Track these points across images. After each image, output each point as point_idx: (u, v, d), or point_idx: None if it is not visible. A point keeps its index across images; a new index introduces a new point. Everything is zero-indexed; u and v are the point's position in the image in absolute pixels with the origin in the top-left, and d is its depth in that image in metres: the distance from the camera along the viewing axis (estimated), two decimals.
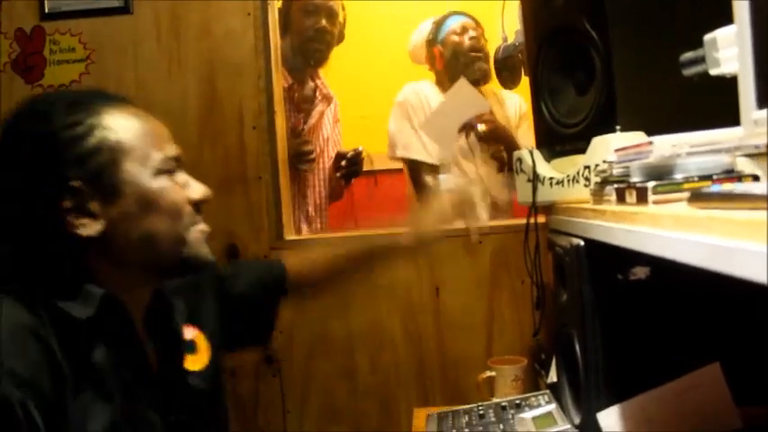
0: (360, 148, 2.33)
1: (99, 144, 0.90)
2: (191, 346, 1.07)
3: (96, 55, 1.84)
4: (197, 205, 0.98)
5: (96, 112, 0.92)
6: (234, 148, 1.79)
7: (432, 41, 2.44)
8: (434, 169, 2.35)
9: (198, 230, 0.98)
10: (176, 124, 1.78)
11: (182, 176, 0.98)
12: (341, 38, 2.36)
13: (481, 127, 2.18)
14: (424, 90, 2.43)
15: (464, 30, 2.36)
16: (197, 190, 0.99)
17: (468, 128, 2.19)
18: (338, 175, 2.35)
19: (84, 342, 0.87)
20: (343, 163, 2.32)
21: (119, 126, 0.92)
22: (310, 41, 2.27)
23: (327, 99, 2.43)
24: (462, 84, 2.13)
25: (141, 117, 0.97)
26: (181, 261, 0.97)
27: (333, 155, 2.45)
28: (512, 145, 2.19)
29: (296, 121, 2.31)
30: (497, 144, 2.27)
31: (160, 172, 0.94)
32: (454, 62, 2.35)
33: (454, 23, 2.39)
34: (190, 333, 1.08)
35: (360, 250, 1.33)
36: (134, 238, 0.92)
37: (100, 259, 0.92)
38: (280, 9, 2.23)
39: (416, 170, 2.36)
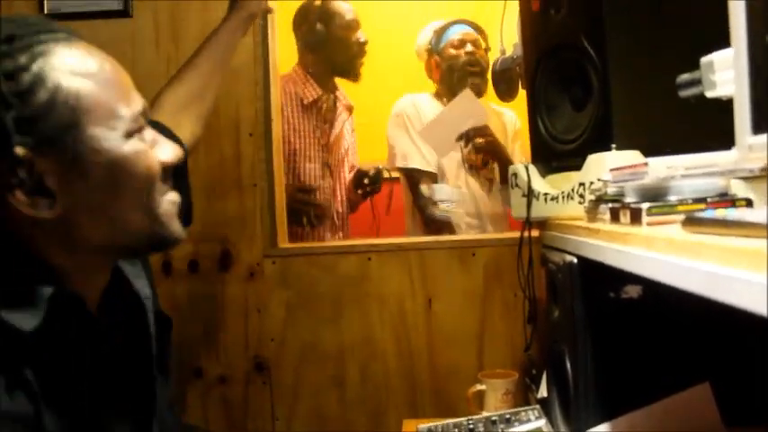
0: (380, 167, 2.36)
1: (52, 98, 0.70)
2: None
3: None
4: (166, 170, 0.82)
5: (44, 52, 0.71)
6: (229, 155, 1.79)
7: (431, 51, 2.45)
8: (432, 178, 2.36)
9: (168, 201, 0.82)
10: None
11: (148, 133, 0.81)
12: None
13: (479, 140, 2.18)
14: (420, 101, 2.44)
15: (462, 43, 2.37)
16: (167, 151, 0.82)
17: (466, 138, 2.19)
18: (359, 192, 2.38)
19: (35, 355, 0.71)
20: (366, 181, 2.35)
21: (75, 72, 0.72)
22: (357, 57, 2.33)
23: (348, 109, 2.47)
24: (466, 94, 2.15)
25: (102, 59, 0.77)
26: (150, 239, 0.82)
27: (351, 165, 2.49)
28: (505, 160, 2.20)
29: (322, 133, 2.35)
30: (492, 157, 2.28)
31: (131, 133, 0.76)
32: (449, 75, 2.36)
33: (454, 35, 2.39)
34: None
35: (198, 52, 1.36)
36: (99, 218, 0.76)
37: (52, 243, 0.75)
38: (315, 31, 2.30)
39: (414, 179, 2.37)
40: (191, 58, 1.37)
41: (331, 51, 2.32)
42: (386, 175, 2.39)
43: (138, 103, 0.80)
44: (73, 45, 0.75)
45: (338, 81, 2.44)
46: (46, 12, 1.83)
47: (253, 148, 1.79)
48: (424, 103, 2.44)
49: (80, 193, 0.74)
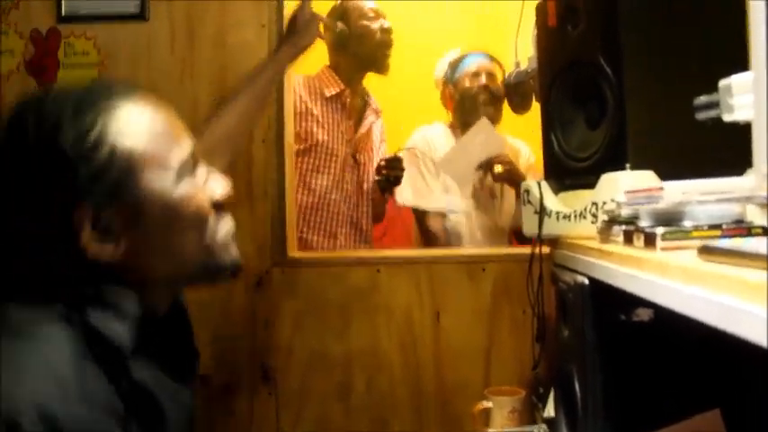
0: (399, 154, 2.31)
1: (112, 154, 0.78)
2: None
3: (110, 60, 1.84)
4: (218, 202, 0.90)
5: (106, 112, 0.80)
6: (241, 161, 1.78)
7: (446, 82, 2.45)
8: (441, 215, 2.35)
9: (223, 231, 0.90)
10: None
11: (201, 170, 0.89)
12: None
13: (498, 168, 2.17)
14: (432, 135, 2.44)
15: (477, 74, 2.37)
16: (218, 187, 0.90)
17: (486, 166, 2.18)
18: (378, 178, 2.32)
19: (123, 362, 0.80)
20: (383, 163, 2.29)
21: (132, 127, 0.81)
22: (381, 47, 2.29)
23: (376, 113, 2.45)
24: (483, 123, 2.15)
25: (154, 111, 0.85)
26: (208, 270, 0.90)
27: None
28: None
29: (347, 128, 2.33)
30: (511, 184, 2.27)
31: (182, 175, 0.84)
32: (461, 106, 2.37)
33: (469, 66, 2.40)
34: None
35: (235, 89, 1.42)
36: (159, 255, 0.84)
37: (120, 279, 0.82)
38: (337, 31, 2.26)
39: (421, 216, 2.37)
40: (232, 95, 1.41)
41: (355, 46, 2.28)
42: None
43: (186, 146, 0.87)
44: (131, 104, 0.83)
45: (369, 88, 2.43)
46: (63, 14, 1.84)
47: (265, 154, 1.79)
48: (436, 136, 2.44)
49: (140, 236, 0.82)
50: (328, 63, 2.36)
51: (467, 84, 2.37)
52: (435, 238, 2.33)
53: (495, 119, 2.33)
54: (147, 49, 1.83)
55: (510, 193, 2.35)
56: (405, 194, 2.37)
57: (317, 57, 2.33)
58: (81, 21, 1.84)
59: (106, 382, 0.76)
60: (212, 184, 0.90)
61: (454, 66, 2.43)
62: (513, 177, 2.24)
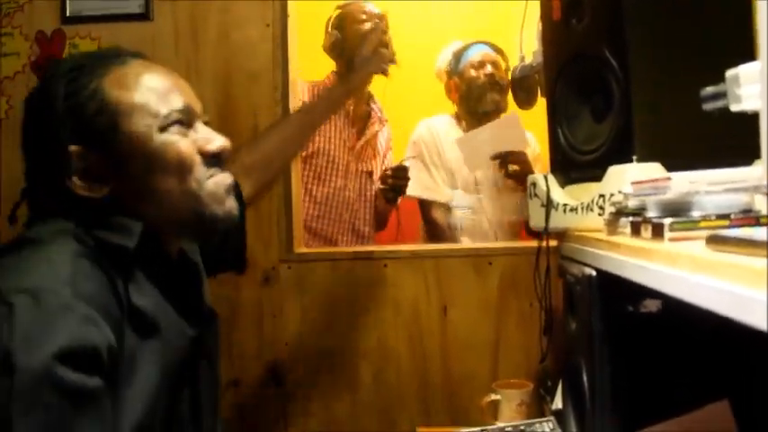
0: (406, 163, 2.29)
1: (99, 108, 0.90)
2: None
3: None
4: (215, 157, 0.96)
5: (101, 74, 0.91)
6: None
7: (450, 72, 2.44)
8: (445, 207, 2.35)
9: (213, 182, 0.95)
10: None
11: (201, 129, 0.97)
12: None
13: (513, 166, 2.16)
14: (437, 126, 2.43)
15: (482, 64, 2.36)
16: (213, 141, 0.96)
17: (502, 160, 2.17)
18: (383, 187, 2.28)
19: (132, 272, 0.89)
20: (389, 172, 2.27)
21: (121, 85, 0.91)
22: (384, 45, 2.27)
23: (381, 122, 2.43)
24: (513, 117, 2.14)
25: (149, 71, 0.95)
26: (198, 218, 0.95)
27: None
28: None
29: (350, 136, 2.32)
30: (522, 184, 2.25)
31: (165, 126, 0.92)
32: (468, 97, 2.36)
33: (474, 56, 2.39)
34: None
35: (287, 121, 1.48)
36: (144, 198, 0.92)
37: (129, 220, 0.91)
38: (334, 39, 2.27)
39: (426, 207, 2.36)
40: (283, 119, 1.47)
41: (349, 51, 2.23)
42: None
43: (178, 101, 0.94)
44: (129, 63, 0.94)
45: (376, 95, 2.41)
46: (68, 14, 1.85)
47: None
48: (441, 127, 2.43)
49: (124, 178, 0.91)
50: (336, 70, 2.36)
51: (472, 73, 2.36)
52: (439, 230, 2.33)
53: (501, 106, 2.33)
54: (152, 48, 1.83)
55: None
56: (410, 186, 2.37)
57: (327, 62, 2.35)
58: (85, 21, 1.85)
59: (106, 287, 0.84)
60: (209, 139, 0.96)
61: (458, 56, 2.42)
62: (524, 177, 2.21)
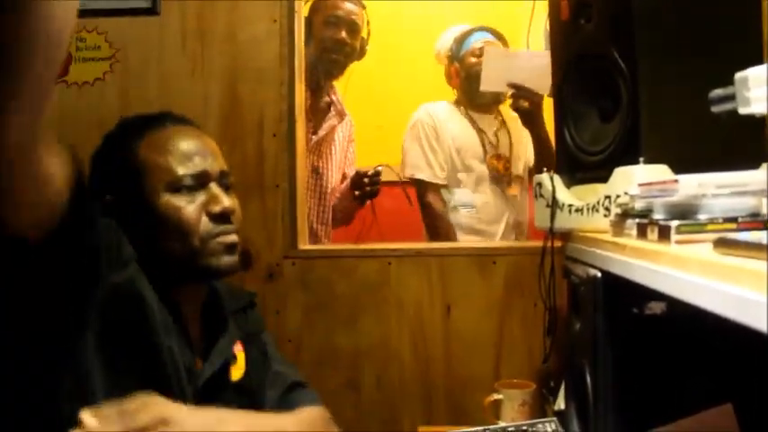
0: (380, 168, 2.25)
1: (127, 165, 1.03)
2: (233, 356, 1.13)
3: (121, 54, 1.84)
4: (221, 216, 1.05)
5: (140, 136, 1.05)
6: (252, 155, 1.79)
7: (451, 58, 2.43)
8: (440, 189, 2.34)
9: (217, 242, 1.05)
10: None
11: (212, 189, 1.06)
12: (362, 53, 2.33)
13: (524, 102, 2.07)
14: (436, 111, 2.42)
15: (482, 52, 2.34)
16: (218, 203, 1.05)
17: (517, 91, 2.07)
18: (356, 193, 2.25)
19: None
20: (366, 180, 2.23)
21: (150, 148, 1.04)
22: (328, 51, 2.25)
23: (341, 115, 2.39)
24: (547, 56, 2.01)
25: (180, 136, 1.07)
26: (194, 268, 1.05)
27: (341, 175, 2.42)
28: (542, 135, 2.13)
29: (306, 131, 2.29)
30: (524, 124, 2.21)
31: (173, 189, 1.03)
32: (468, 84, 2.34)
33: (475, 42, 2.37)
34: (236, 347, 1.15)
35: None
36: (153, 250, 1.01)
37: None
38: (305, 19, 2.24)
39: (423, 189, 2.36)
40: None
41: (311, 47, 2.24)
42: (387, 177, 2.28)
43: (193, 166, 1.05)
44: (167, 127, 1.07)
45: (337, 87, 2.38)
46: None
47: (276, 148, 1.79)
48: (440, 112, 2.42)
49: (142, 228, 1.00)
50: None
51: (472, 61, 2.35)
52: (435, 213, 2.32)
53: (499, 99, 2.32)
54: (159, 43, 1.83)
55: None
56: (405, 168, 2.37)
57: None
58: (92, 15, 1.85)
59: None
60: (216, 200, 1.06)
61: (460, 42, 2.41)
62: (532, 118, 2.14)
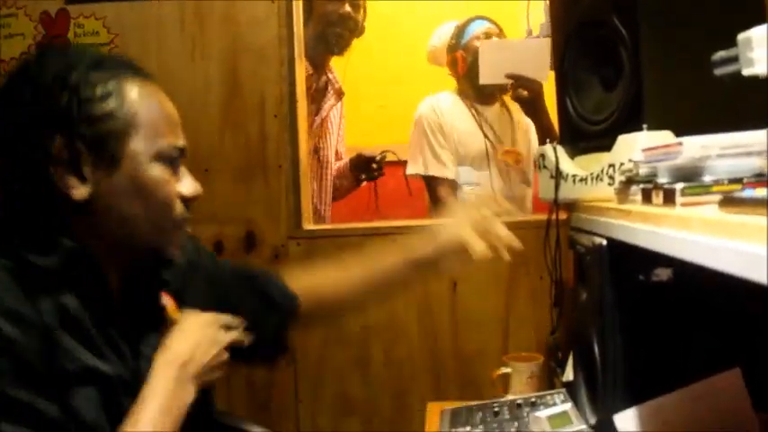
0: (384, 152, 2.29)
1: (114, 111, 0.87)
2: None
3: (120, 39, 1.84)
4: (186, 202, 0.95)
5: (121, 78, 0.89)
6: (255, 136, 1.79)
7: (454, 46, 2.41)
8: (451, 185, 2.34)
9: (183, 232, 0.97)
10: (198, 111, 1.81)
11: (183, 172, 0.96)
12: (361, 30, 2.32)
13: (524, 91, 2.09)
14: (440, 104, 2.41)
15: (487, 36, 2.33)
16: (190, 186, 0.96)
17: (516, 82, 2.10)
18: (363, 177, 2.30)
19: (52, 290, 0.85)
20: (374, 166, 2.27)
21: (138, 100, 0.90)
22: (333, 26, 2.22)
23: (338, 94, 2.39)
24: (544, 43, 1.96)
25: (162, 98, 0.95)
26: (153, 249, 0.95)
27: (336, 151, 2.43)
28: (545, 121, 2.13)
29: (309, 112, 2.28)
30: (524, 111, 2.21)
31: (161, 158, 0.91)
32: (474, 69, 2.32)
33: (477, 29, 2.36)
34: (167, 302, 1.02)
35: (373, 275, 1.25)
36: (115, 215, 0.89)
37: (79, 221, 0.88)
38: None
39: (432, 185, 2.35)
40: (354, 264, 1.28)
41: (313, 23, 2.23)
42: (390, 157, 2.34)
43: (179, 140, 0.94)
44: (145, 82, 0.92)
45: (333, 64, 2.37)
46: None
47: (278, 129, 1.79)
48: (445, 104, 2.40)
49: (105, 189, 0.88)
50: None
51: (477, 44, 2.34)
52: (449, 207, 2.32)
53: (506, 86, 2.30)
54: (157, 27, 1.83)
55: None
56: (415, 164, 2.36)
57: None
58: (90, 1, 1.84)
59: (29, 303, 0.82)
60: (186, 182, 0.96)
61: (462, 28, 2.40)
62: (534, 106, 2.15)
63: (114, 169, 0.88)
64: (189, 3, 1.82)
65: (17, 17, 1.87)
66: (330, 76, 2.37)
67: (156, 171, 0.91)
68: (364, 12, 2.33)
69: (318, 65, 2.28)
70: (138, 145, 0.89)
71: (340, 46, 2.28)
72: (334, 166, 2.40)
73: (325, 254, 1.78)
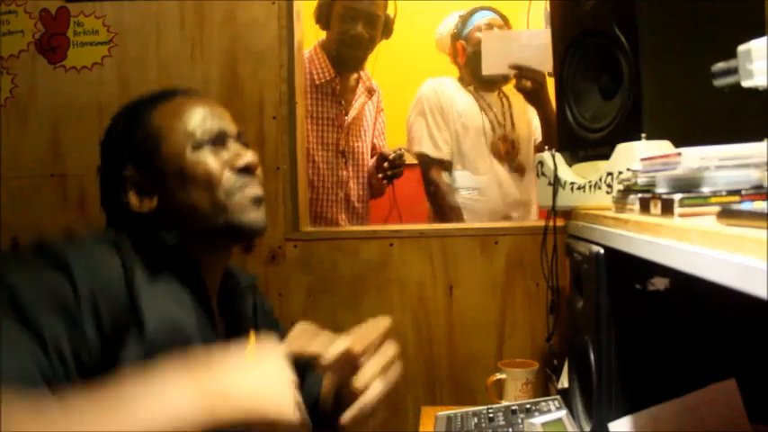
0: (401, 150, 2.30)
1: (145, 135, 1.04)
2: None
3: (119, 38, 1.84)
4: (245, 170, 1.05)
5: (150, 108, 1.07)
6: (253, 137, 1.78)
7: (456, 35, 2.42)
8: (444, 165, 2.34)
9: (243, 195, 1.04)
10: None
11: (232, 147, 1.07)
12: (389, 32, 2.32)
13: (527, 82, 2.07)
14: (442, 86, 2.41)
15: (489, 27, 2.34)
16: (242, 156, 1.06)
17: (519, 72, 2.08)
18: (380, 176, 2.32)
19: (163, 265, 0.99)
20: (386, 164, 2.28)
21: (164, 115, 1.05)
22: (345, 46, 2.25)
23: (370, 92, 2.41)
24: (546, 33, 1.91)
25: (189, 102, 1.08)
26: (225, 228, 1.03)
27: (374, 147, 2.46)
28: (547, 111, 2.13)
29: (338, 113, 2.30)
30: (532, 102, 2.20)
31: (199, 145, 1.04)
32: (475, 59, 2.32)
33: (480, 20, 2.37)
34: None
35: None
36: (181, 209, 1.02)
37: (166, 231, 1.02)
38: (323, 4, 2.25)
39: (425, 165, 2.35)
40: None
41: (332, 35, 2.27)
42: (408, 160, 2.35)
43: (212, 124, 1.06)
44: (175, 98, 1.09)
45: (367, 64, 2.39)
46: None
47: (276, 130, 1.79)
48: (446, 88, 2.41)
49: (166, 191, 1.03)
50: (322, 39, 2.33)
51: (479, 36, 2.34)
52: (438, 189, 2.32)
53: (507, 76, 2.31)
54: (157, 26, 1.83)
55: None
56: (411, 142, 2.38)
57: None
58: (89, 0, 1.84)
59: (118, 268, 0.93)
60: (239, 155, 1.07)
61: (465, 19, 2.40)
62: (537, 97, 2.14)
63: (163, 175, 1.03)
64: (189, 3, 1.81)
65: (17, 14, 1.86)
66: (362, 73, 2.39)
67: (195, 157, 1.03)
68: (394, 13, 2.33)
69: (342, 66, 2.30)
70: (172, 147, 1.03)
71: (352, 65, 2.31)
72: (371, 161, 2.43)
73: (321, 256, 1.78)
